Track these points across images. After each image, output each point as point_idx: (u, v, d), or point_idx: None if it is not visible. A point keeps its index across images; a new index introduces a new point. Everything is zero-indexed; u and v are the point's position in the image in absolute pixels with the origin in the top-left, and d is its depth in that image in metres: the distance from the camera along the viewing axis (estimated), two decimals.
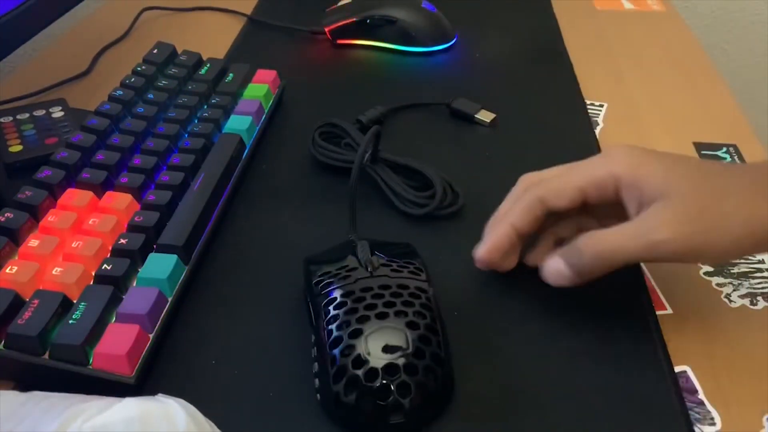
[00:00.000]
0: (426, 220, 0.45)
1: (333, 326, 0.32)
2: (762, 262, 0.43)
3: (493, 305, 0.39)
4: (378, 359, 0.30)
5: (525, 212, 0.38)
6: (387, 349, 0.31)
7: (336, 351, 0.31)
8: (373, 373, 0.30)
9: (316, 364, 0.33)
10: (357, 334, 0.31)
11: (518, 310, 0.39)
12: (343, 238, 0.40)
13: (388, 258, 0.36)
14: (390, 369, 0.30)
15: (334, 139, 0.51)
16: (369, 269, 0.35)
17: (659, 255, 0.34)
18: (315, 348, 0.34)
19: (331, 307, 0.33)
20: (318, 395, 0.33)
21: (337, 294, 0.33)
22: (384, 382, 0.30)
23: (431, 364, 0.31)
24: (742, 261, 0.43)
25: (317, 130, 0.51)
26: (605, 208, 0.38)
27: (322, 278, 0.35)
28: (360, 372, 0.30)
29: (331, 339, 0.32)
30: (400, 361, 0.31)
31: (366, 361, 0.30)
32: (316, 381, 0.33)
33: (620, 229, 0.35)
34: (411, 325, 0.32)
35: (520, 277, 0.41)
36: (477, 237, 0.40)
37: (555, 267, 0.37)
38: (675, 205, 0.34)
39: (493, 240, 0.38)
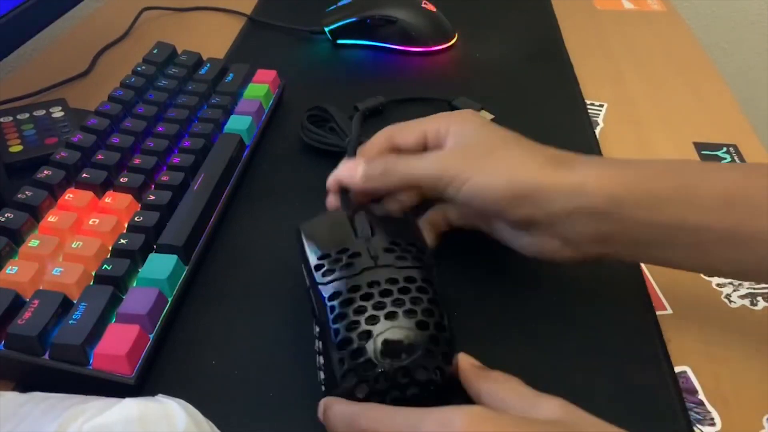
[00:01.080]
0: None
1: (340, 326, 0.31)
2: None
3: (492, 305, 0.39)
4: (389, 362, 0.30)
5: (374, 145, 0.41)
6: (397, 351, 0.30)
7: (345, 353, 0.31)
8: (383, 376, 0.30)
9: (320, 358, 0.33)
10: (367, 336, 0.31)
11: (518, 310, 0.39)
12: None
13: (390, 240, 0.35)
14: (401, 372, 0.30)
15: (323, 123, 0.52)
16: (372, 255, 0.34)
17: (428, 180, 0.37)
18: (319, 342, 0.33)
19: (336, 303, 0.32)
20: (323, 387, 0.33)
21: (341, 288, 0.33)
22: (394, 383, 0.30)
23: (441, 365, 0.31)
24: None
25: (307, 113, 0.53)
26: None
27: (322, 262, 0.34)
28: (370, 374, 0.30)
29: (339, 339, 0.31)
30: (411, 364, 0.30)
31: (376, 365, 0.30)
32: (321, 374, 0.33)
33: (415, 155, 0.39)
34: (420, 326, 0.31)
35: (519, 277, 0.41)
36: (471, 235, 0.40)
37: (351, 164, 0.40)
38: (451, 146, 0.38)
39: (342, 169, 0.41)
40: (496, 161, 0.36)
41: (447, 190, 0.37)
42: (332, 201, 0.41)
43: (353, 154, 0.43)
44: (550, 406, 0.28)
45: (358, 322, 0.31)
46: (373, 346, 0.30)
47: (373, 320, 0.31)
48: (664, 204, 0.33)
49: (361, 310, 0.31)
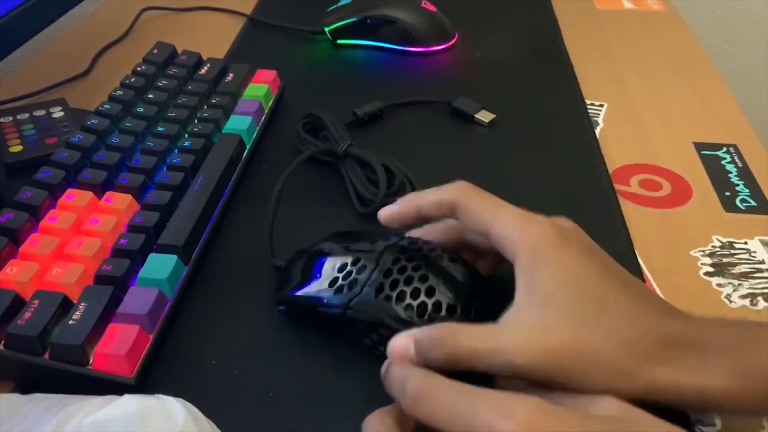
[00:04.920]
0: None
1: (406, 303, 0.33)
2: (762, 262, 0.43)
3: (492, 306, 0.39)
4: (463, 296, 0.33)
5: (436, 207, 0.35)
6: (464, 284, 0.34)
7: (425, 317, 0.32)
8: (466, 309, 0.33)
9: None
10: (432, 290, 0.33)
11: None
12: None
13: (366, 242, 0.37)
14: (473, 298, 0.34)
15: (318, 131, 0.52)
16: (368, 250, 0.35)
17: (525, 373, 0.29)
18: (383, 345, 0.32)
19: (386, 292, 0.33)
20: None
21: (377, 278, 0.34)
22: (477, 306, 0.33)
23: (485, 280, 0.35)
24: (743, 261, 0.43)
25: (301, 121, 0.53)
26: None
27: (338, 284, 0.35)
28: (457, 315, 0.33)
29: (414, 311, 0.33)
30: (474, 287, 0.34)
31: (456, 305, 0.33)
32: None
33: (481, 330, 0.30)
34: (453, 259, 0.34)
35: None
36: None
37: (403, 343, 0.30)
38: (550, 309, 0.29)
39: (399, 209, 0.36)
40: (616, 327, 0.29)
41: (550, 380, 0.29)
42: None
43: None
44: (605, 404, 0.27)
45: (418, 289, 0.33)
46: (443, 292, 0.33)
47: (424, 279, 0.33)
48: None
49: (408, 280, 0.33)
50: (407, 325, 0.32)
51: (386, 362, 0.31)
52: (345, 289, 0.34)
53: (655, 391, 0.29)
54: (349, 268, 0.35)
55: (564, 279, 0.30)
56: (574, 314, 0.29)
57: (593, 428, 0.25)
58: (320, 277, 0.36)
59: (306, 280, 0.37)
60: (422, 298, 0.33)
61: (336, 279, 0.35)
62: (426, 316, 0.32)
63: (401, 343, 0.30)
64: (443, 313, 0.32)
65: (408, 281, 0.33)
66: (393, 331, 0.32)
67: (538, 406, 0.25)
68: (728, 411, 0.32)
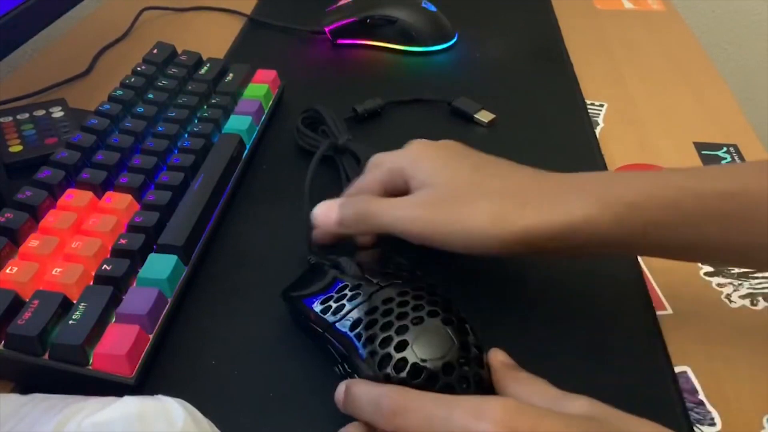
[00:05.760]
0: None
1: (373, 347, 0.31)
2: None
3: (492, 306, 0.39)
4: (431, 361, 0.30)
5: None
6: (436, 349, 0.30)
7: (387, 370, 0.30)
8: (429, 375, 0.30)
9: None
10: (404, 345, 0.31)
11: (517, 310, 0.39)
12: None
13: (379, 269, 0.36)
14: (447, 368, 0.30)
15: (317, 125, 0.52)
16: (373, 281, 0.34)
17: (403, 231, 0.37)
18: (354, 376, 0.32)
19: (360, 330, 0.32)
20: None
21: (359, 314, 0.33)
22: (446, 381, 0.30)
23: (476, 353, 0.31)
24: None
25: (301, 115, 0.53)
26: None
27: (328, 305, 0.34)
28: (419, 380, 0.30)
29: (377, 360, 0.31)
30: (452, 358, 0.30)
31: (422, 367, 0.30)
32: None
33: (387, 201, 0.38)
34: (446, 321, 0.32)
35: (518, 278, 0.41)
36: None
37: (326, 208, 0.40)
38: (428, 192, 0.37)
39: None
40: (473, 209, 0.35)
41: (427, 243, 0.36)
42: (318, 236, 0.41)
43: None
44: (579, 404, 0.28)
45: (390, 337, 0.31)
46: (413, 351, 0.30)
47: (403, 330, 0.31)
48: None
49: (387, 326, 0.31)
50: (366, 370, 0.31)
51: (343, 383, 0.31)
52: (331, 311, 0.34)
53: (530, 233, 0.34)
54: (347, 291, 0.34)
55: (434, 169, 0.38)
56: (442, 194, 0.37)
57: (571, 426, 0.26)
58: (323, 289, 0.35)
59: (312, 287, 0.36)
60: (389, 350, 0.31)
61: (330, 297, 0.35)
62: (387, 369, 0.30)
63: (324, 209, 0.40)
64: (403, 374, 0.30)
65: (386, 327, 0.31)
66: (355, 370, 0.32)
67: (513, 406, 0.26)
68: (597, 246, 0.34)
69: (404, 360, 0.30)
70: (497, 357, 0.32)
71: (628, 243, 0.34)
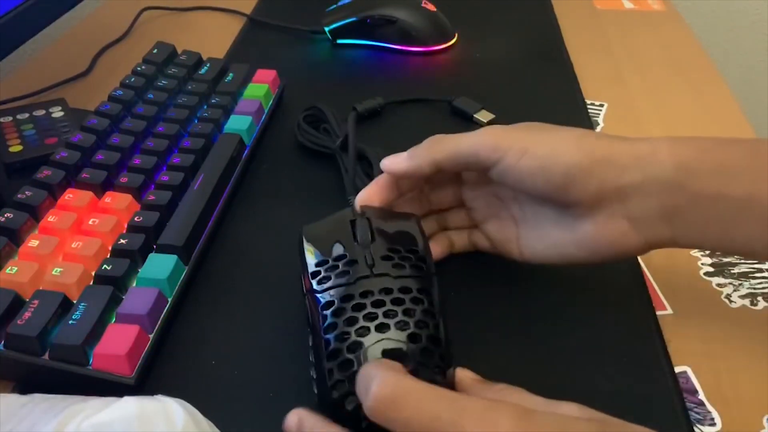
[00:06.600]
0: None
1: (331, 336, 0.31)
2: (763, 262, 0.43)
3: (491, 306, 0.39)
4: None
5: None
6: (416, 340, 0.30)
7: (334, 363, 0.30)
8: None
9: (313, 370, 0.33)
10: (356, 348, 0.30)
11: (517, 311, 0.39)
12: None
13: (389, 246, 0.34)
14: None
15: (319, 123, 0.52)
16: (369, 263, 0.33)
17: (477, 143, 0.36)
18: (312, 353, 0.33)
19: (329, 312, 0.31)
20: (316, 399, 0.33)
21: (335, 297, 0.32)
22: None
23: (435, 378, 0.30)
24: (743, 261, 0.43)
25: (303, 113, 0.53)
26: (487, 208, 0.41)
27: (319, 269, 0.34)
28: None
29: (329, 350, 0.31)
30: None
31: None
32: (314, 386, 0.33)
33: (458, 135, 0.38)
34: (413, 338, 0.30)
35: (518, 278, 0.41)
36: None
37: (395, 155, 0.38)
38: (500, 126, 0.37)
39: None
40: (556, 133, 0.36)
41: (500, 165, 0.35)
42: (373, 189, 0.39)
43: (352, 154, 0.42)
44: (570, 408, 0.27)
45: (348, 333, 0.30)
46: (362, 359, 0.30)
47: (363, 332, 0.30)
48: (737, 175, 0.33)
49: (352, 321, 0.31)
50: (317, 350, 0.31)
51: (293, 413, 0.30)
52: (319, 277, 0.33)
53: (607, 191, 0.34)
54: (339, 264, 0.33)
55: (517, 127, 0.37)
56: (529, 130, 0.36)
57: (578, 428, 0.26)
58: (327, 246, 0.34)
59: (325, 239, 0.35)
60: (342, 345, 0.30)
61: (326, 262, 0.33)
62: (334, 362, 0.30)
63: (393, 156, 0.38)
64: (347, 373, 0.29)
65: (350, 322, 0.31)
66: (313, 347, 0.31)
67: (521, 413, 0.25)
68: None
69: (351, 362, 0.30)
70: (466, 375, 0.31)
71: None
